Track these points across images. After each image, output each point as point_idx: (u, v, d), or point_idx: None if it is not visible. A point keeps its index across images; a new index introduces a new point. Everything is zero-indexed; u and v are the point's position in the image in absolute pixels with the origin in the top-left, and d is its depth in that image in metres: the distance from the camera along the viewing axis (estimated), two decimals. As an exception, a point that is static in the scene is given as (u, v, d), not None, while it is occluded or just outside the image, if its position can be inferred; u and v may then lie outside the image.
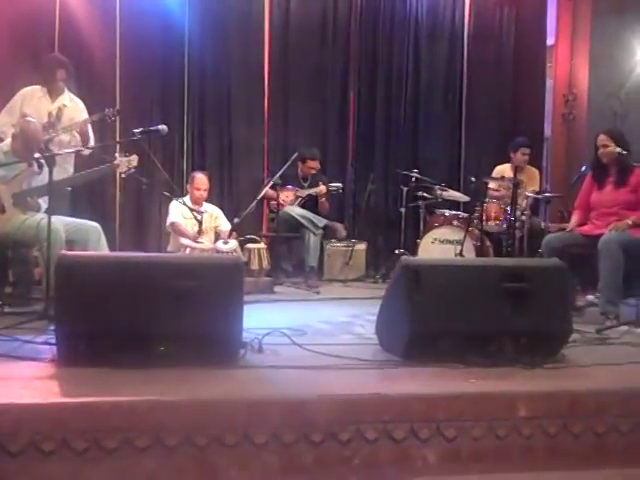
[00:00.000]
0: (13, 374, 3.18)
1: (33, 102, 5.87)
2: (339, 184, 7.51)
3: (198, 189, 6.85)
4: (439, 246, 7.16)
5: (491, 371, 3.43)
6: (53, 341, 3.49)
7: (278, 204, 7.05)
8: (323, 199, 7.40)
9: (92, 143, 5.90)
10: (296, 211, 7.18)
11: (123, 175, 5.23)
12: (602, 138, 5.44)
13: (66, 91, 6.00)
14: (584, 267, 5.46)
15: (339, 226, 7.69)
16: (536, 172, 7.62)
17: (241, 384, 3.16)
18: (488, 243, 7.22)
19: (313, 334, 4.36)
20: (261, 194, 7.03)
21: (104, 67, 7.33)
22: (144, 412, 2.74)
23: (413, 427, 2.94)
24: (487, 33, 8.71)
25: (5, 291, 5.26)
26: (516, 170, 6.93)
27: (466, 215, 7.27)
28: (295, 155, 7.19)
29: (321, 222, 7.23)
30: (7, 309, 4.87)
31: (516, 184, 6.69)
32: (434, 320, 3.60)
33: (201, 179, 6.92)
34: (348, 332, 4.58)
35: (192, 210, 6.35)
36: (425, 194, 7.59)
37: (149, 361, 3.27)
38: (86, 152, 5.73)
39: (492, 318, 3.66)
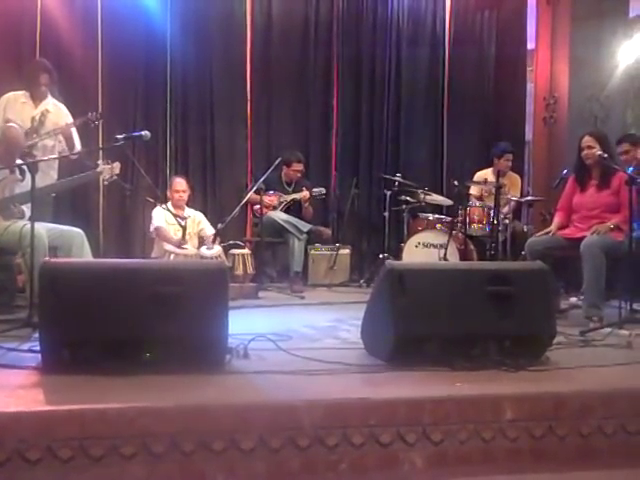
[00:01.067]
0: (-4, 382, 3.16)
1: (16, 107, 5.84)
2: (322, 189, 7.51)
3: (177, 191, 6.86)
4: (423, 250, 7.17)
5: (476, 374, 3.43)
6: (37, 349, 3.47)
7: (262, 209, 7.05)
8: (307, 204, 7.41)
9: (78, 148, 5.87)
10: (280, 216, 7.18)
11: (106, 182, 5.22)
12: (587, 140, 5.46)
13: (49, 96, 5.98)
14: (567, 270, 5.52)
15: (324, 229, 7.70)
16: (518, 179, 7.69)
17: (227, 390, 3.16)
18: (472, 247, 7.25)
19: (298, 339, 4.36)
20: (245, 199, 7.03)
21: (86, 71, 7.32)
22: (130, 419, 2.73)
23: (399, 431, 2.94)
24: (468, 37, 8.76)
25: (-12, 299, 5.23)
26: (499, 174, 6.96)
27: (449, 219, 7.30)
28: (278, 160, 7.20)
29: (305, 227, 7.24)
30: (-9, 316, 4.83)
31: (499, 188, 6.72)
32: (419, 324, 3.60)
33: (179, 182, 6.93)
34: (333, 337, 4.57)
35: (175, 216, 6.35)
36: (408, 198, 7.61)
37: (135, 368, 3.26)
38: (71, 157, 5.72)
39: (477, 321, 3.67)
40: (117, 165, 5.11)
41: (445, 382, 3.28)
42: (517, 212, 7.64)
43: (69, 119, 5.96)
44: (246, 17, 8.07)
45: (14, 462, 2.61)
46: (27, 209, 4.82)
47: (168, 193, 6.97)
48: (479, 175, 7.55)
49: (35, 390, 3.05)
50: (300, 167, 7.51)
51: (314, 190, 7.42)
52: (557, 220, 5.67)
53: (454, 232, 7.02)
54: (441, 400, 3.03)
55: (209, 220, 7.11)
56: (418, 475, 2.97)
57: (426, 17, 8.66)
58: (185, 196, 6.92)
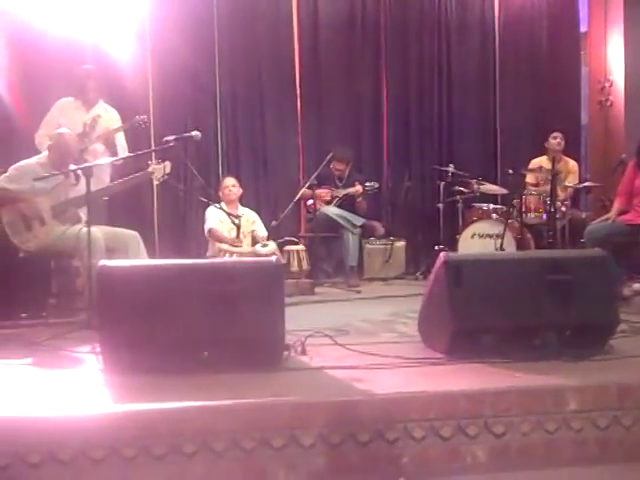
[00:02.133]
0: (60, 384, 3.23)
1: (68, 113, 5.94)
2: (375, 183, 7.47)
3: (226, 187, 6.83)
4: (479, 240, 7.09)
5: (537, 365, 3.38)
6: (98, 350, 3.53)
7: (315, 205, 7.05)
8: (360, 199, 7.38)
9: (124, 152, 5.93)
10: (333, 211, 7.18)
11: (157, 182, 5.27)
12: None
13: (101, 102, 6.07)
14: (629, 256, 5.37)
15: (377, 225, 7.68)
16: (575, 165, 7.53)
17: (286, 386, 3.16)
18: (529, 235, 7.13)
19: (355, 334, 4.35)
20: (298, 195, 7.03)
21: (136, 75, 7.38)
22: (190, 418, 2.76)
23: (460, 424, 2.92)
24: (518, 22, 8.61)
25: (49, 302, 5.34)
26: (554, 160, 6.83)
27: (505, 208, 7.19)
28: (329, 156, 7.19)
29: (359, 221, 7.22)
30: (52, 320, 4.95)
31: (555, 174, 6.60)
32: (477, 316, 3.57)
33: (228, 179, 6.94)
34: (390, 330, 4.55)
35: (229, 215, 6.35)
36: (462, 189, 7.53)
37: (193, 367, 3.29)
38: (119, 162, 5.79)
39: (536, 311, 3.61)
40: (168, 164, 5.15)
41: (505, 374, 3.25)
42: (575, 199, 7.49)
43: (119, 124, 6.03)
44: (292, 13, 8.08)
45: (80, 461, 2.67)
46: (83, 213, 4.90)
47: (220, 193, 7.01)
48: (534, 162, 7.43)
49: (97, 391, 3.11)
50: (340, 166, 7.44)
51: (367, 184, 7.38)
52: (617, 205, 5.55)
53: (510, 221, 6.91)
54: (502, 392, 3.00)
55: (262, 217, 7.12)
56: (481, 468, 2.94)
57: (474, 2, 8.56)
58: (235, 191, 6.90)
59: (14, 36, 6.85)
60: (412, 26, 8.40)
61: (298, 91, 8.12)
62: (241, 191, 7.01)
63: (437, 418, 2.90)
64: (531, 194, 7.11)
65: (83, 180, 4.56)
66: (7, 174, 4.99)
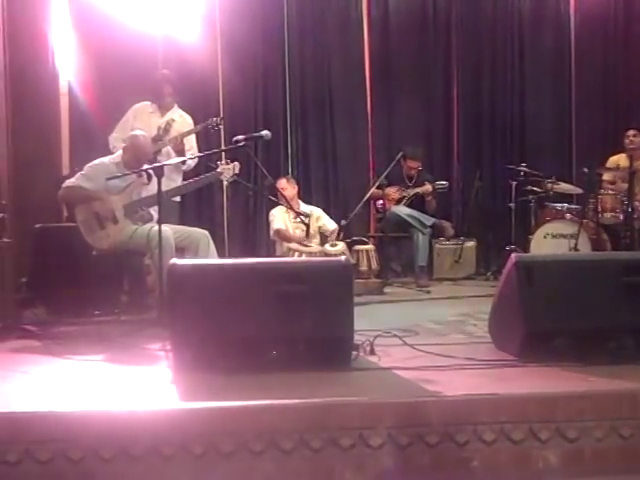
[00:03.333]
0: (131, 381, 3.29)
1: (143, 117, 6.05)
2: (445, 182, 7.40)
3: (283, 189, 6.72)
4: (552, 241, 6.95)
5: (611, 369, 3.29)
6: (168, 347, 3.58)
7: (385, 204, 7.01)
8: (430, 198, 7.32)
9: (193, 158, 5.98)
10: (403, 211, 7.14)
11: (227, 182, 5.33)
12: None
13: (175, 106, 6.16)
14: None
15: (447, 224, 7.60)
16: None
17: (354, 386, 3.16)
18: (605, 236, 6.94)
19: (425, 334, 4.32)
20: (367, 195, 7.02)
21: (207, 77, 7.52)
22: (259, 416, 2.77)
23: (532, 428, 2.86)
24: (595, 15, 8.37)
25: (121, 299, 5.46)
26: (632, 159, 6.64)
27: (580, 208, 7.03)
28: (399, 155, 7.15)
29: (429, 221, 7.17)
30: (123, 317, 5.05)
31: (632, 173, 6.42)
32: (549, 317, 3.50)
33: (280, 181, 6.86)
34: (460, 331, 4.51)
35: (299, 214, 6.32)
36: (535, 188, 7.38)
37: (262, 366, 3.31)
38: (189, 163, 5.87)
39: (611, 314, 3.52)
40: (237, 165, 5.20)
41: (578, 378, 3.18)
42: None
43: (191, 129, 6.11)
44: (362, 13, 8.07)
45: (150, 457, 2.71)
46: (154, 213, 4.99)
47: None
48: (612, 160, 7.24)
49: (166, 388, 3.15)
50: (414, 164, 7.39)
51: (437, 183, 7.32)
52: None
53: (585, 221, 6.76)
54: (575, 396, 2.94)
55: (332, 218, 7.12)
56: (553, 473, 2.89)
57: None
58: (290, 189, 6.81)
59: (88, 35, 7.03)
60: (484, 23, 8.29)
61: (368, 90, 8.11)
62: (296, 188, 6.99)
63: (508, 421, 2.85)
64: (607, 193, 6.93)
65: (155, 180, 4.63)
66: (83, 172, 5.12)
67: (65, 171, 6.71)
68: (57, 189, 5.19)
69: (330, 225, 6.92)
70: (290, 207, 6.20)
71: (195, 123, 6.16)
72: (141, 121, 5.98)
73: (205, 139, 6.71)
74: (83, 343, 4.12)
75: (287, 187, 6.80)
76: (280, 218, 6.81)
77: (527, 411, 2.88)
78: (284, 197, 6.16)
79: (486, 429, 2.84)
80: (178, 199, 5.96)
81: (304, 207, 6.92)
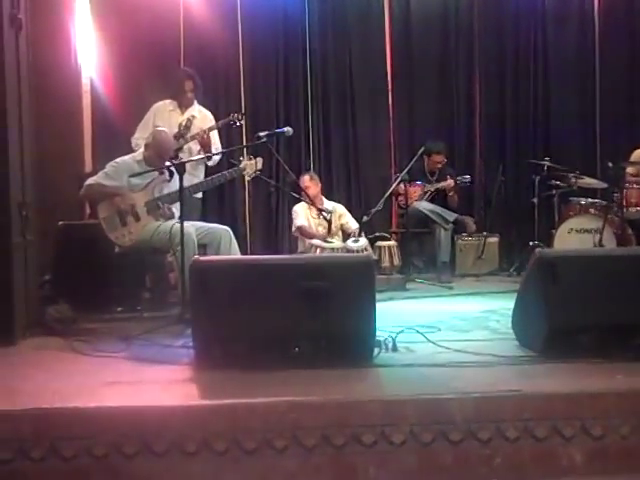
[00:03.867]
0: (154, 377, 3.30)
1: (164, 115, 6.07)
2: (467, 177, 7.37)
3: (307, 187, 6.72)
4: (576, 236, 6.89)
5: (637, 365, 3.26)
6: (190, 344, 3.59)
7: (407, 200, 6.99)
8: (452, 193, 7.29)
9: (218, 151, 6.01)
10: (425, 206, 7.11)
11: (249, 178, 5.34)
12: None
13: (195, 103, 6.17)
14: None
15: (469, 220, 7.56)
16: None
17: (376, 383, 3.16)
18: (630, 231, 6.87)
19: (447, 330, 4.30)
20: (389, 191, 6.99)
21: (229, 73, 7.56)
22: (281, 413, 2.77)
23: (556, 425, 2.83)
24: (619, 9, 8.27)
25: (143, 296, 5.48)
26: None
27: (604, 202, 6.96)
28: (421, 150, 7.12)
29: (451, 216, 7.13)
30: (146, 314, 5.08)
31: (657, 166, 6.35)
32: (573, 314, 3.47)
33: (302, 179, 6.88)
34: (483, 328, 4.48)
35: (321, 210, 6.31)
36: (559, 182, 7.32)
37: (284, 362, 3.31)
38: (215, 159, 5.88)
39: (636, 310, 3.48)
40: (260, 160, 5.21)
41: (603, 374, 3.15)
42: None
43: (212, 125, 6.12)
44: (384, 9, 8.04)
45: (173, 453, 2.72)
46: (176, 210, 5.01)
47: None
48: (636, 154, 7.15)
49: (189, 385, 3.17)
50: (439, 158, 7.38)
51: (459, 178, 7.29)
52: None
53: (609, 216, 6.69)
54: (600, 393, 2.91)
55: (354, 213, 7.11)
56: (577, 470, 2.86)
57: (572, -8, 8.30)
58: (313, 187, 6.83)
59: (110, 32, 7.06)
60: (507, 18, 8.22)
61: (389, 86, 8.09)
62: (319, 185, 6.98)
63: (531, 418, 2.83)
64: (632, 187, 6.85)
65: (176, 176, 4.64)
66: (105, 170, 5.15)
67: (88, 168, 6.74)
68: (80, 187, 5.23)
69: (352, 224, 6.92)
70: (312, 203, 6.20)
71: (216, 119, 6.17)
72: (162, 119, 6.00)
73: (226, 135, 6.71)
74: (106, 340, 4.13)
75: (310, 185, 6.82)
76: (303, 214, 6.81)
77: (551, 408, 2.86)
78: (306, 193, 6.16)
79: (509, 426, 2.82)
80: (200, 195, 5.97)
81: (327, 204, 6.91)
